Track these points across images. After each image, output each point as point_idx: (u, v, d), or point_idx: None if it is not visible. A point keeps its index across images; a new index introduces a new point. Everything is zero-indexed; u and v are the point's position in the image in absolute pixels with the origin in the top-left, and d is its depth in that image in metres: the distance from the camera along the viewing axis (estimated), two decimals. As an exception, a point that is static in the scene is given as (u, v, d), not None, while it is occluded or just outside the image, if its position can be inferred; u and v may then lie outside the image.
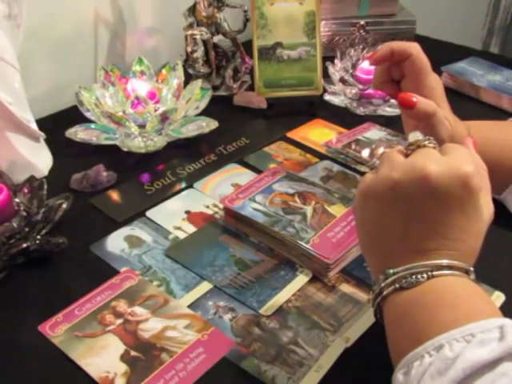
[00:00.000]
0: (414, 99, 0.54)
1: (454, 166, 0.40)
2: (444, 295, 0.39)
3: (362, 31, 0.90)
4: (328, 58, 0.90)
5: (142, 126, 0.74)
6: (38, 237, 0.58)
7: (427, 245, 0.41)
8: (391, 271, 0.41)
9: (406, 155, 0.43)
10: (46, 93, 0.86)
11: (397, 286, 0.41)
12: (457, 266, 0.40)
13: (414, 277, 0.40)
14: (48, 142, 0.74)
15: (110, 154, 0.75)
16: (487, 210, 0.42)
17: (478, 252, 0.43)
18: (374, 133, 0.83)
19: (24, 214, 0.59)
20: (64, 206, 0.61)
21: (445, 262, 0.40)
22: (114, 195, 0.69)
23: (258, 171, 0.73)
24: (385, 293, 0.41)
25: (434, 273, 0.40)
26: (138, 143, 0.76)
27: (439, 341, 0.36)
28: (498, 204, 0.63)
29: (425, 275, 0.40)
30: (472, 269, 0.42)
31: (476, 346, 0.34)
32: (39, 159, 0.71)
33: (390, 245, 0.42)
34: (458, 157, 0.41)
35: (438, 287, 0.40)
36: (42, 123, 0.72)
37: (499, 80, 0.94)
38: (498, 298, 0.55)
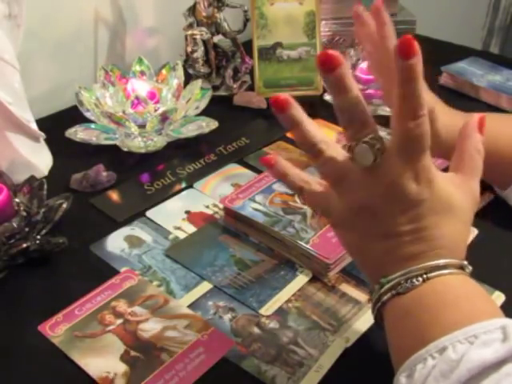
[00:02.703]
0: None
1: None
2: (444, 296, 0.39)
3: (362, 31, 0.90)
4: (328, 58, 0.90)
5: (142, 126, 0.74)
6: (38, 237, 0.58)
7: (412, 251, 0.41)
8: (385, 280, 0.41)
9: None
10: (46, 93, 0.86)
11: (393, 292, 0.41)
12: (449, 264, 0.40)
13: (408, 281, 0.40)
14: (48, 142, 0.74)
15: (110, 154, 0.75)
16: (461, 196, 0.42)
17: (466, 240, 0.43)
18: (374, 133, 0.82)
19: (24, 213, 0.59)
20: (64, 206, 0.61)
21: (435, 262, 0.40)
22: (114, 195, 0.69)
23: (258, 171, 0.73)
24: (384, 298, 0.41)
25: (429, 275, 0.40)
26: (138, 143, 0.76)
27: (442, 343, 0.36)
28: (498, 203, 0.63)
29: (420, 278, 0.40)
30: (465, 262, 0.41)
31: (479, 347, 0.34)
32: (39, 159, 0.71)
33: (377, 260, 0.43)
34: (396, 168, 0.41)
35: (436, 288, 0.40)
36: (41, 123, 0.72)
37: (499, 80, 0.94)
38: (498, 298, 0.55)
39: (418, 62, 0.38)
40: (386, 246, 0.42)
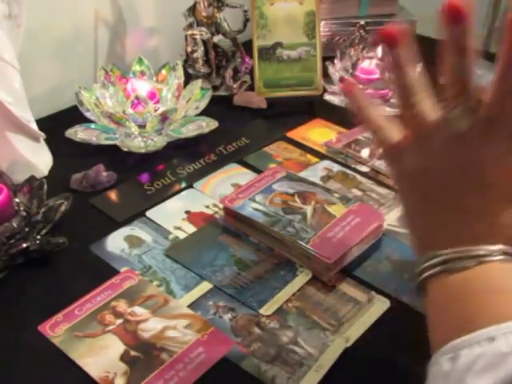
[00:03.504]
0: None
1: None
2: (497, 282, 0.36)
3: (361, 31, 0.90)
4: (328, 58, 0.90)
5: (142, 126, 0.74)
6: (38, 237, 0.58)
7: (471, 233, 0.38)
8: (434, 253, 0.38)
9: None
10: (46, 93, 0.86)
11: (442, 268, 0.38)
12: (508, 251, 0.37)
13: (461, 261, 0.37)
14: (48, 142, 0.74)
15: (110, 154, 0.75)
16: None
17: None
18: (374, 133, 0.82)
19: (24, 214, 0.59)
20: (64, 206, 0.61)
21: (493, 247, 0.37)
22: (114, 195, 0.69)
23: (258, 171, 0.73)
24: (430, 272, 0.38)
25: (483, 259, 0.37)
26: (138, 143, 0.76)
27: (492, 332, 0.33)
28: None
29: (473, 261, 0.37)
30: None
31: None
32: (39, 159, 0.71)
33: (430, 230, 0.40)
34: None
35: (489, 274, 0.37)
36: (41, 123, 0.72)
37: (499, 80, 0.94)
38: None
39: None
40: (444, 219, 0.39)
